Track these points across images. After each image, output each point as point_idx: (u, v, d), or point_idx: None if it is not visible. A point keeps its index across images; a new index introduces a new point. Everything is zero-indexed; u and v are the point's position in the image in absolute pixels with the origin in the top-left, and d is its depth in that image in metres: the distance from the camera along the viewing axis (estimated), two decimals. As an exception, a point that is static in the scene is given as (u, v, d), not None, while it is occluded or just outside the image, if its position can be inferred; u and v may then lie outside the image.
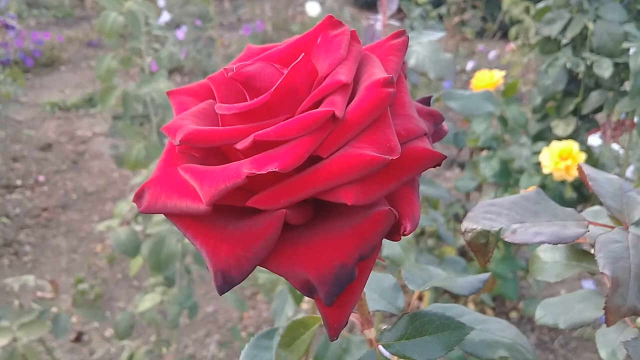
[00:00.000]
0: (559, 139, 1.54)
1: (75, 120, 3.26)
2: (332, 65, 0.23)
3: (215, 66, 3.28)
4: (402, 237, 0.23)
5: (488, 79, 1.55)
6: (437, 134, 0.28)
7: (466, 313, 0.31)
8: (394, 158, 0.20)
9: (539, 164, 1.49)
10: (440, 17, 3.12)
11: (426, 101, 0.29)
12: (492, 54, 3.53)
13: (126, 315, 1.35)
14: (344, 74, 0.22)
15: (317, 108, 0.22)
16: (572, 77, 1.56)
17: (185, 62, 3.54)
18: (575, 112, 1.57)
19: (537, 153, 1.55)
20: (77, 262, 2.13)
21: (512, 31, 2.89)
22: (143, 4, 1.50)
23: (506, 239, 0.29)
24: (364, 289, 0.34)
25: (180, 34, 3.28)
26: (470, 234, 0.30)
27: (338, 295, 0.21)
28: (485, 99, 0.75)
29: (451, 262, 0.86)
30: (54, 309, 1.18)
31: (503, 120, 1.56)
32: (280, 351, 0.28)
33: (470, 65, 3.29)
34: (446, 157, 0.23)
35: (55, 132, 3.10)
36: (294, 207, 0.21)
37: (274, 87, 0.22)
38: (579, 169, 0.33)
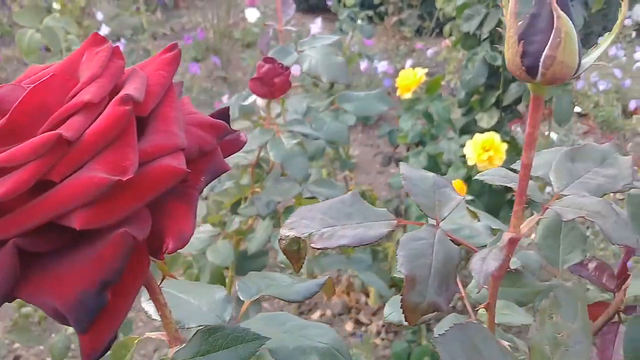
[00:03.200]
0: (485, 131, 1.59)
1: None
2: (84, 84, 0.23)
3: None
4: (165, 255, 0.22)
5: (411, 77, 1.58)
6: (231, 146, 0.28)
7: (289, 320, 0.31)
8: (127, 178, 0.20)
9: (465, 156, 1.53)
10: (370, 18, 3.16)
11: (223, 113, 0.29)
12: (430, 52, 3.60)
13: (62, 337, 1.31)
14: (90, 93, 0.22)
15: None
16: (493, 71, 1.61)
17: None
18: (498, 104, 1.62)
19: (464, 146, 1.59)
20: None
21: (447, 28, 2.96)
22: (61, 19, 1.47)
23: (314, 245, 0.29)
24: (191, 299, 0.33)
25: (120, 46, 3.21)
26: (284, 242, 0.30)
27: (89, 322, 0.21)
28: (379, 99, 0.76)
29: (356, 261, 0.87)
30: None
31: (428, 116, 1.59)
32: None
33: (408, 63, 3.34)
34: (189, 172, 0.22)
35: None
36: (33, 234, 0.20)
37: (11, 110, 0.22)
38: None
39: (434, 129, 1.62)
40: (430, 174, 0.33)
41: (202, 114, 0.27)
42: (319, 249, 0.28)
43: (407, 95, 1.59)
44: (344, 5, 2.06)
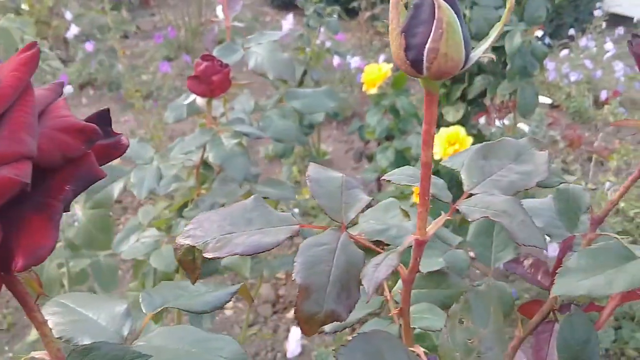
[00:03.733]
0: (452, 124, 1.58)
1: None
2: None
3: (120, 77, 3.16)
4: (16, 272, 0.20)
5: (377, 72, 1.57)
6: (110, 151, 0.26)
7: (190, 334, 0.29)
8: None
9: (432, 151, 1.52)
10: (344, 13, 3.14)
11: (102, 116, 0.26)
12: (403, 46, 3.58)
13: (24, 345, 1.28)
14: None
15: None
16: (458, 64, 1.60)
17: (98, 75, 3.39)
18: (464, 97, 1.62)
19: (431, 141, 1.58)
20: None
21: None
22: (15, 19, 1.43)
23: (206, 254, 0.27)
24: (89, 313, 0.31)
25: (90, 46, 3.14)
26: (179, 252, 0.28)
27: None
28: (327, 95, 0.75)
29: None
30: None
31: (395, 111, 1.58)
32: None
33: (382, 58, 3.33)
34: (26, 183, 0.20)
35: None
36: None
37: None
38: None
39: (401, 124, 1.61)
40: (339, 175, 0.31)
41: (74, 117, 0.25)
42: (210, 258, 0.26)
43: (373, 91, 1.58)
44: (311, 1, 2.03)
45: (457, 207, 0.28)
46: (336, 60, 3.34)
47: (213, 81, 0.61)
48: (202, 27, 4.24)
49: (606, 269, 0.35)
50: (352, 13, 4.28)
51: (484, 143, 0.32)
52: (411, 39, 0.22)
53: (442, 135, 1.43)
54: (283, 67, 0.74)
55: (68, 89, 3.30)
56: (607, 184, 2.09)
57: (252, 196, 0.30)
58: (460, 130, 1.42)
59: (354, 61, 3.15)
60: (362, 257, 0.28)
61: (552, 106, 2.98)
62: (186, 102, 0.68)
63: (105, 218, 1.04)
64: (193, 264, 0.27)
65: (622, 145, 2.79)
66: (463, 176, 0.30)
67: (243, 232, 0.28)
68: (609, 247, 0.37)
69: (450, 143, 1.43)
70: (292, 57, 0.74)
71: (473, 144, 1.62)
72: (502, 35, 1.41)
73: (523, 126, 2.60)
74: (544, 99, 2.89)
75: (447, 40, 0.21)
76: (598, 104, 3.10)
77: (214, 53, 0.76)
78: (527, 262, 0.44)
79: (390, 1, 0.23)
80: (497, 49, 1.46)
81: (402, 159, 1.62)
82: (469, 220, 0.27)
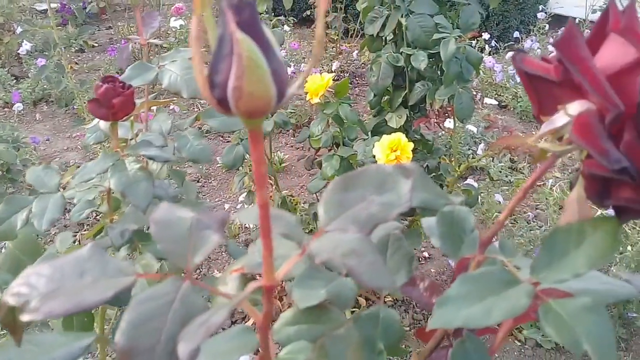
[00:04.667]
0: (395, 131, 1.59)
1: None
2: None
3: (68, 92, 3.06)
4: None
5: (319, 82, 1.56)
6: None
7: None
8: None
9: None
10: (303, 20, 3.14)
11: None
12: (356, 53, 3.61)
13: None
14: None
15: None
16: (400, 71, 1.61)
17: (52, 90, 3.28)
18: (406, 103, 1.62)
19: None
20: None
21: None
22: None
23: (24, 317, 0.24)
24: None
25: (42, 62, 3.02)
26: (1, 311, 0.25)
27: None
28: (245, 112, 0.72)
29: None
30: None
31: (338, 119, 1.57)
32: None
33: (335, 65, 3.34)
34: None
35: None
36: None
37: None
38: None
39: (345, 132, 1.61)
40: (189, 215, 0.29)
41: None
42: (26, 322, 0.24)
43: (316, 100, 1.57)
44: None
45: (306, 247, 0.26)
46: (290, 68, 3.33)
47: (114, 104, 0.58)
48: (158, 40, 4.16)
49: (486, 297, 0.34)
50: (307, 21, 4.28)
51: (346, 174, 0.30)
52: (215, 76, 0.20)
53: (384, 142, 1.43)
54: (197, 84, 0.71)
55: (18, 106, 3.18)
56: (551, 181, 2.14)
57: (89, 244, 0.27)
58: (401, 136, 1.42)
59: (307, 69, 3.13)
60: (204, 308, 0.25)
61: (500, 106, 3.05)
62: (89, 126, 0.65)
63: (34, 242, 0.98)
64: (14, 325, 0.25)
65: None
66: (320, 211, 0.28)
67: (68, 288, 0.25)
68: (491, 272, 0.36)
69: (391, 150, 1.43)
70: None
71: (415, 149, 1.62)
72: (437, 42, 1.42)
73: (472, 127, 2.64)
74: (491, 101, 2.95)
75: (250, 78, 0.20)
76: (545, 103, 3.19)
77: (126, 72, 0.73)
78: (422, 285, 0.43)
79: (191, 35, 0.21)
80: (434, 55, 1.48)
81: (348, 167, 1.62)
82: (316, 262, 0.25)
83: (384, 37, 1.61)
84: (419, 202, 0.38)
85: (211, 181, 2.85)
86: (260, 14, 2.06)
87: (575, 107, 0.36)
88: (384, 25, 1.55)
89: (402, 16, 1.47)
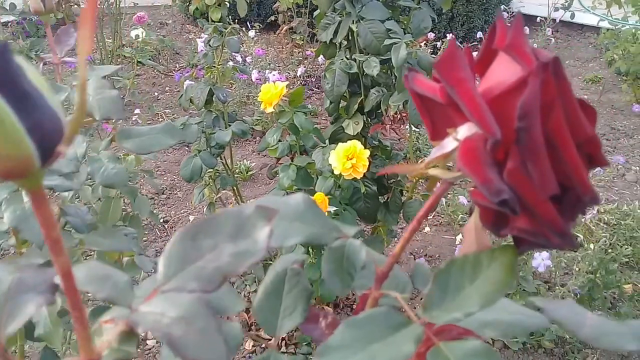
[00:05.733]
0: (352, 138, 1.56)
1: None
2: None
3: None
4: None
5: (272, 91, 1.52)
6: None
7: None
8: None
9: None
10: (269, 25, 3.10)
11: None
12: (321, 58, 3.59)
13: None
14: None
15: None
16: (355, 78, 1.58)
17: None
18: (363, 110, 1.60)
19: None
20: None
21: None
22: None
23: None
24: None
25: None
26: None
27: None
28: (166, 133, 0.69)
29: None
30: None
31: (293, 128, 1.54)
32: None
33: (300, 70, 3.31)
34: None
35: None
36: None
37: None
38: None
39: (302, 141, 1.58)
40: (8, 277, 0.25)
41: None
42: None
43: (270, 110, 1.53)
44: (210, 20, 1.96)
45: (135, 312, 0.23)
46: (254, 74, 3.29)
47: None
48: (120, 50, 4.09)
49: (371, 344, 0.31)
50: (274, 27, 4.24)
51: (199, 220, 0.27)
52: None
53: (340, 150, 1.41)
54: (110, 105, 0.67)
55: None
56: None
57: None
58: (357, 144, 1.39)
59: (272, 75, 3.10)
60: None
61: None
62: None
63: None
64: None
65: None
66: (159, 266, 0.25)
67: None
68: (379, 314, 0.33)
69: (347, 158, 1.40)
70: (119, 94, 0.67)
71: (374, 155, 1.60)
72: (389, 47, 1.40)
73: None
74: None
75: (-4, 137, 0.16)
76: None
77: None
78: (324, 322, 0.40)
79: None
80: (387, 61, 1.46)
81: (306, 176, 1.59)
82: (140, 332, 0.22)
83: (337, 44, 1.59)
84: (306, 237, 0.35)
85: (176, 192, 2.79)
86: (215, 22, 2.02)
87: (464, 131, 0.33)
88: (336, 32, 1.52)
89: (353, 22, 1.45)
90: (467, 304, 0.32)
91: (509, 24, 0.32)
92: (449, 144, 0.34)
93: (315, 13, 1.67)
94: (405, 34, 1.41)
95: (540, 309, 0.40)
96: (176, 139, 0.69)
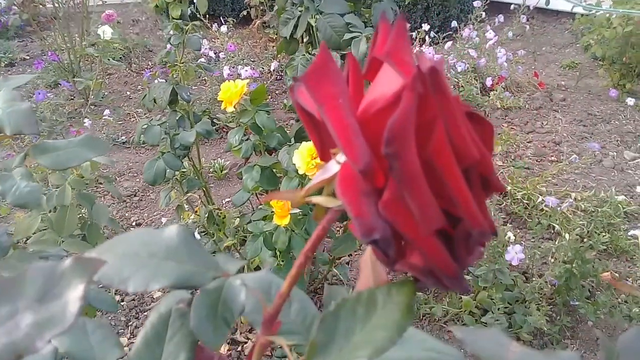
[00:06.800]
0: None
1: None
2: None
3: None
4: None
5: (232, 90, 1.47)
6: None
7: None
8: None
9: (297, 166, 1.45)
10: (243, 19, 3.03)
11: None
12: (294, 50, 3.52)
13: None
14: None
15: None
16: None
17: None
18: (328, 107, 1.55)
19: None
20: None
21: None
22: None
23: None
24: None
25: None
26: None
27: None
28: (86, 146, 0.63)
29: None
30: None
31: (256, 128, 1.49)
32: None
33: (274, 65, 3.25)
34: None
35: None
36: None
37: None
38: None
39: (265, 141, 1.53)
40: None
41: None
42: None
43: (231, 109, 1.48)
44: (171, 18, 1.89)
45: None
46: (226, 70, 3.22)
47: None
48: (87, 49, 3.99)
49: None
50: (248, 21, 4.16)
51: (6, 277, 0.22)
52: None
53: (303, 150, 1.36)
54: (22, 119, 0.62)
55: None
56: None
57: None
58: (319, 144, 1.35)
59: (244, 71, 3.04)
60: None
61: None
62: None
63: None
64: None
65: (505, 129, 2.86)
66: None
67: None
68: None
69: (312, 157, 1.35)
70: (31, 106, 0.62)
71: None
72: (349, 42, 1.35)
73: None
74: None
75: None
76: (485, 90, 3.18)
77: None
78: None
79: None
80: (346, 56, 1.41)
81: (271, 176, 1.54)
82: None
83: (298, 39, 1.53)
84: (176, 278, 0.30)
85: (149, 194, 2.73)
86: (175, 18, 1.95)
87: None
88: (296, 27, 1.47)
89: (312, 17, 1.39)
90: (354, 355, 0.28)
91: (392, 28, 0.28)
92: (333, 167, 0.29)
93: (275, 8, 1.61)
94: (366, 27, 1.36)
95: (461, 339, 0.36)
96: (97, 152, 0.63)
